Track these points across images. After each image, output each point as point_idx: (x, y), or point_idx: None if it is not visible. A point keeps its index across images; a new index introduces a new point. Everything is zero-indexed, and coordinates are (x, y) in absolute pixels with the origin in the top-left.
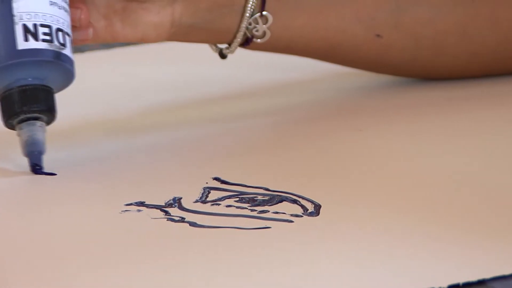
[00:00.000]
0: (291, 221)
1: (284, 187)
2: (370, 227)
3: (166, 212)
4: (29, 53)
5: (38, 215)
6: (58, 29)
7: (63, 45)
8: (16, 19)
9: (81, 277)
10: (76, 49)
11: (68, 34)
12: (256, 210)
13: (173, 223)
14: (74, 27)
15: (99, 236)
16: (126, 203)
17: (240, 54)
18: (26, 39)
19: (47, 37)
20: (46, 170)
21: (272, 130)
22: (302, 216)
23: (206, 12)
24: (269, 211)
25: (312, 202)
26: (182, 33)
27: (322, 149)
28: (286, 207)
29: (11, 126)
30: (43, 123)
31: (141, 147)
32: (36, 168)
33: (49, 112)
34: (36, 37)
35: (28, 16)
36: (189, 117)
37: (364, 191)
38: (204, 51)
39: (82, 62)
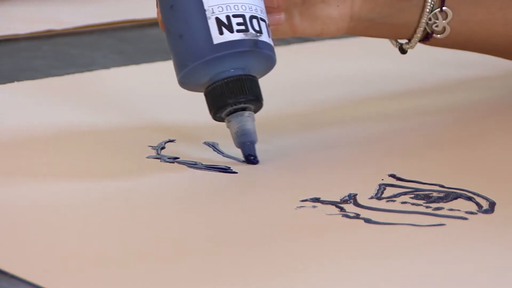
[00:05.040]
0: (466, 218)
1: (459, 183)
2: None
3: (341, 209)
4: (226, 46)
5: (214, 207)
6: (252, 17)
7: (259, 32)
8: (208, 13)
9: (256, 270)
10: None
11: (263, 19)
12: (431, 207)
13: (348, 219)
14: (269, 10)
15: (273, 231)
16: (301, 199)
17: (416, 50)
18: (221, 32)
19: (242, 27)
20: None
21: (448, 127)
22: (476, 214)
23: (385, 7)
24: (444, 208)
25: (486, 199)
26: (361, 27)
27: (497, 146)
28: (461, 204)
29: (219, 119)
30: (251, 113)
31: (317, 142)
32: (251, 159)
33: (256, 100)
34: (230, 29)
35: (219, 9)
36: (365, 113)
37: None
38: (379, 47)
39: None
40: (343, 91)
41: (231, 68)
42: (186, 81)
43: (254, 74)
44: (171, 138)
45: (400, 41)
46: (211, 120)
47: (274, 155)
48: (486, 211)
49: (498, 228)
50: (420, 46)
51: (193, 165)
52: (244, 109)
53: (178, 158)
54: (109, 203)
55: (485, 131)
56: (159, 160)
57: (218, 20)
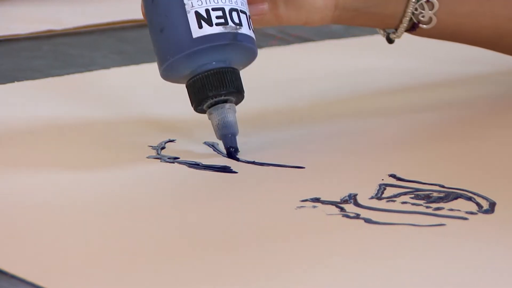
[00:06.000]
0: (466, 219)
1: (459, 183)
2: None
3: (341, 209)
4: (204, 39)
5: (214, 207)
6: (232, 9)
7: (239, 24)
8: (187, 7)
9: (256, 270)
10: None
11: (243, 12)
12: (431, 207)
13: (348, 219)
14: (253, 0)
15: (273, 231)
16: (301, 199)
17: (417, 47)
18: (200, 26)
19: (221, 20)
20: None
21: (448, 127)
22: (477, 214)
23: None
24: (444, 208)
25: (487, 199)
26: (346, 16)
27: (497, 146)
28: (461, 204)
29: (201, 111)
30: (232, 105)
31: (317, 142)
32: (232, 150)
33: (237, 92)
34: (209, 23)
35: (199, 3)
36: (365, 113)
37: None
38: (379, 45)
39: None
40: (343, 91)
41: (212, 61)
42: (168, 74)
43: (235, 66)
44: (171, 138)
45: (388, 30)
46: None
47: (275, 155)
48: (486, 211)
49: (498, 228)
50: (423, 43)
51: (193, 165)
52: (225, 101)
53: (178, 158)
54: (109, 204)
55: (485, 132)
56: (159, 160)
57: (197, 14)
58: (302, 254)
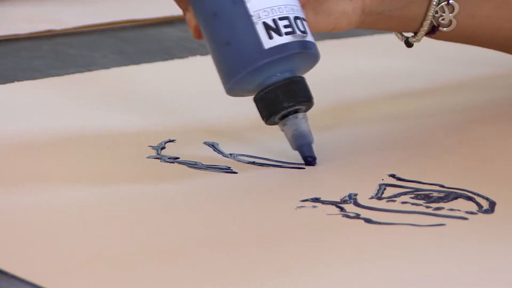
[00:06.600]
0: (466, 218)
1: (459, 183)
2: None
3: (341, 209)
4: (277, 50)
5: (214, 207)
6: (296, 17)
7: (304, 32)
8: (254, 18)
9: (256, 270)
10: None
11: (304, 19)
12: (431, 207)
13: (348, 219)
14: None
15: (273, 231)
16: (301, 199)
17: (419, 48)
18: (271, 37)
19: (289, 29)
20: None
21: (448, 127)
22: (476, 214)
23: (394, 0)
24: (444, 208)
25: (487, 199)
26: (371, 20)
27: (497, 146)
28: (461, 204)
29: (272, 123)
30: (305, 114)
31: (317, 142)
32: (310, 160)
33: (308, 101)
34: (279, 33)
35: (265, 13)
36: (365, 112)
37: None
38: (380, 46)
39: None
40: (343, 91)
41: (280, 71)
42: (236, 88)
43: (300, 74)
44: (171, 138)
45: (406, 34)
46: (211, 120)
47: (275, 155)
48: (486, 211)
49: (498, 228)
50: (425, 44)
51: (193, 165)
52: (296, 111)
53: (178, 158)
54: (109, 203)
55: (485, 131)
56: (159, 160)
57: (265, 24)
58: (302, 254)
